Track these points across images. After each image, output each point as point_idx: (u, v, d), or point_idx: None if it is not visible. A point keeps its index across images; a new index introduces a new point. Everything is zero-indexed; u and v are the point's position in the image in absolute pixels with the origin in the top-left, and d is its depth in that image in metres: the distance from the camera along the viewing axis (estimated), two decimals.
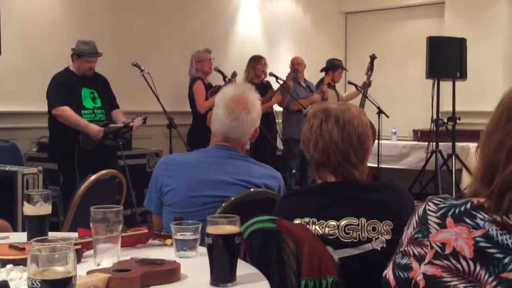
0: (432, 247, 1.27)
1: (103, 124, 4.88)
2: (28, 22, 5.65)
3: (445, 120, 6.60)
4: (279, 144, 6.62)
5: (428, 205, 1.31)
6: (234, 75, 6.15)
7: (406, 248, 1.33)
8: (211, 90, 5.96)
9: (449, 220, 1.27)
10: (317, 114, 1.94)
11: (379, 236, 1.81)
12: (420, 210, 1.33)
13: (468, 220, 1.25)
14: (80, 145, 4.71)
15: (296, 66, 7.12)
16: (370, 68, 7.34)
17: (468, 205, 1.27)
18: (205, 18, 7.42)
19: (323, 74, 7.54)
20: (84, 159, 4.66)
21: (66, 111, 4.78)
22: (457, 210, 1.27)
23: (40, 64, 5.72)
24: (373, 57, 7.41)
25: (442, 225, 1.27)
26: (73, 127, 4.76)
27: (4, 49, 4.61)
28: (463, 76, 6.60)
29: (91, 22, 6.15)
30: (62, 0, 5.97)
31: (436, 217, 1.29)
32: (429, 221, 1.29)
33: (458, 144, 6.67)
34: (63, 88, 4.85)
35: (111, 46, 6.06)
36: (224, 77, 5.97)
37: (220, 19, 7.69)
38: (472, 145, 6.76)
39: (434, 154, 6.56)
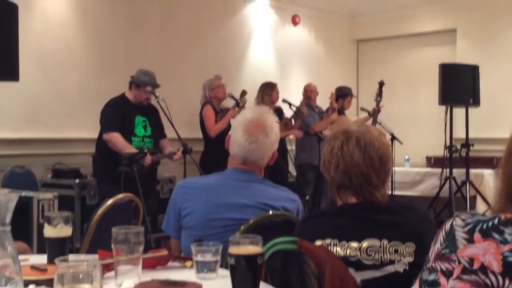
0: (460, 262, 1.26)
1: (151, 152, 5.03)
2: (44, 48, 5.72)
3: (459, 147, 6.58)
4: (292, 171, 6.63)
5: (455, 221, 1.31)
6: (243, 93, 6.18)
7: (433, 264, 1.32)
8: (220, 114, 6.01)
9: (477, 235, 1.26)
10: (338, 136, 1.94)
11: (402, 258, 1.79)
12: (447, 226, 1.32)
13: (496, 235, 1.25)
14: (127, 172, 4.78)
15: (309, 93, 7.16)
16: (379, 94, 7.33)
17: (496, 221, 1.27)
18: (218, 45, 7.48)
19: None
20: (129, 183, 4.70)
21: (116, 138, 4.94)
22: (484, 225, 1.27)
23: (56, 90, 5.79)
24: (381, 84, 7.39)
25: (470, 240, 1.27)
26: (120, 153, 4.88)
27: (20, 75, 4.65)
28: (476, 102, 6.60)
29: (107, 49, 6.23)
30: (77, 27, 6.05)
31: (464, 232, 1.28)
32: (456, 236, 1.29)
33: (472, 171, 6.63)
34: (118, 113, 5.02)
35: (125, 73, 6.11)
36: (237, 103, 6.01)
37: (232, 45, 7.76)
38: (486, 172, 6.72)
39: (448, 181, 6.53)
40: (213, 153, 5.71)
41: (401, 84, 8.87)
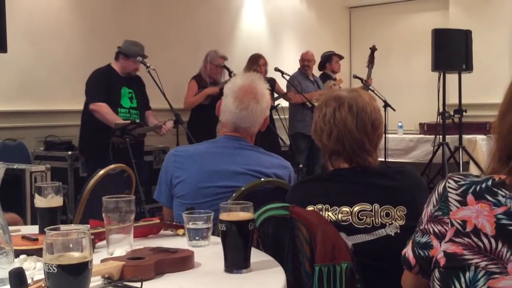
0: (452, 225, 1.26)
1: (138, 123, 4.94)
2: (33, 20, 5.64)
3: (452, 113, 6.57)
4: (286, 140, 6.61)
5: (449, 183, 1.30)
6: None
7: (426, 226, 1.32)
8: (199, 90, 6.02)
9: (470, 198, 1.25)
10: (329, 102, 1.92)
11: (393, 221, 1.80)
12: (440, 188, 1.31)
13: (489, 197, 1.24)
14: (113, 143, 4.75)
15: (306, 62, 7.09)
16: (371, 60, 7.23)
17: (490, 182, 1.26)
18: (210, 14, 7.41)
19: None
20: (118, 155, 4.67)
21: (103, 107, 4.87)
22: (478, 187, 1.26)
23: (46, 62, 5.72)
24: (373, 49, 7.29)
25: (463, 203, 1.26)
26: (107, 123, 4.82)
27: (9, 47, 4.60)
28: (469, 68, 6.57)
29: (96, 19, 6.15)
30: None
31: (457, 194, 1.27)
32: (449, 199, 1.28)
33: (465, 136, 6.65)
34: (103, 84, 4.94)
35: (115, 44, 6.04)
36: (230, 72, 5.97)
37: (224, 15, 7.68)
38: (479, 137, 6.74)
39: (441, 147, 6.54)
40: (198, 120, 5.75)
41: (393, 50, 8.83)
